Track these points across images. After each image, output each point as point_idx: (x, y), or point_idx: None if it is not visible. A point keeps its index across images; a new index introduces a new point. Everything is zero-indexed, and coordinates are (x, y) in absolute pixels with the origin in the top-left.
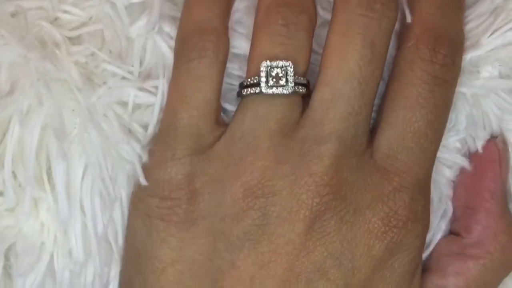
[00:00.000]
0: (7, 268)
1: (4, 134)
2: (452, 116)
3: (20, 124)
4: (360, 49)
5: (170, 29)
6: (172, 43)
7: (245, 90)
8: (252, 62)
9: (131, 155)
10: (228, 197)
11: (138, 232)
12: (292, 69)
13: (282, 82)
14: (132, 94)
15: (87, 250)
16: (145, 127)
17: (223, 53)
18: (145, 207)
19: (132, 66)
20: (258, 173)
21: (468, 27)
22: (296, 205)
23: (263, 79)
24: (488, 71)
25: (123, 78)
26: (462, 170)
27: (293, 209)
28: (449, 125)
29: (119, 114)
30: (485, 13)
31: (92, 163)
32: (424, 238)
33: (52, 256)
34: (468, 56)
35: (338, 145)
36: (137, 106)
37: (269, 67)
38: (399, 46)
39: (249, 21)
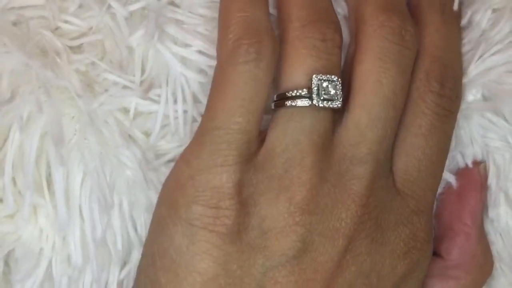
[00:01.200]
0: (6, 273)
1: (5, 141)
2: None
3: (20, 131)
4: (395, 75)
5: (175, 32)
6: (177, 48)
7: (290, 101)
8: (294, 74)
9: (131, 161)
10: (273, 210)
11: (175, 240)
12: (340, 84)
13: (333, 95)
14: (134, 102)
15: (85, 255)
16: (146, 133)
17: (276, 58)
18: (188, 214)
19: (134, 75)
20: (304, 188)
21: None
22: (337, 224)
23: (315, 92)
24: (472, 94)
25: (124, 87)
26: (446, 191)
27: (334, 227)
28: None
29: (120, 120)
30: (471, 41)
31: (91, 170)
32: (431, 256)
33: (50, 262)
34: None
35: (374, 166)
36: (138, 113)
37: (321, 80)
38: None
39: None
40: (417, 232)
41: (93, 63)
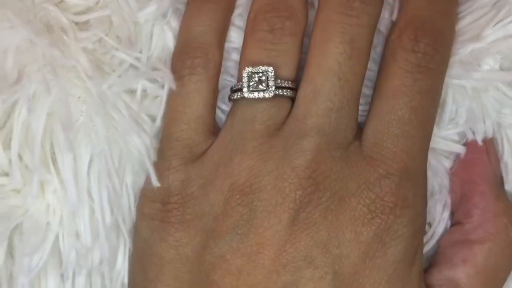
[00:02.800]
0: (9, 249)
1: (8, 117)
2: (452, 109)
3: (27, 111)
4: (339, 45)
5: (175, 22)
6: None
7: (233, 95)
8: (240, 68)
9: (139, 146)
10: (219, 196)
11: (142, 234)
12: (272, 74)
13: (263, 86)
14: (140, 84)
15: (95, 235)
16: (151, 117)
17: (214, 68)
18: (149, 210)
19: (140, 52)
20: (245, 172)
21: (470, 19)
22: (280, 199)
23: (245, 84)
24: (488, 63)
25: (132, 65)
26: (455, 164)
27: (277, 202)
28: (448, 118)
29: (128, 103)
30: (487, 5)
31: (98, 153)
32: (420, 226)
33: (57, 236)
34: (469, 48)
35: (320, 138)
36: (144, 96)
37: (250, 73)
38: (385, 40)
39: None
40: (386, 196)
41: (100, 40)
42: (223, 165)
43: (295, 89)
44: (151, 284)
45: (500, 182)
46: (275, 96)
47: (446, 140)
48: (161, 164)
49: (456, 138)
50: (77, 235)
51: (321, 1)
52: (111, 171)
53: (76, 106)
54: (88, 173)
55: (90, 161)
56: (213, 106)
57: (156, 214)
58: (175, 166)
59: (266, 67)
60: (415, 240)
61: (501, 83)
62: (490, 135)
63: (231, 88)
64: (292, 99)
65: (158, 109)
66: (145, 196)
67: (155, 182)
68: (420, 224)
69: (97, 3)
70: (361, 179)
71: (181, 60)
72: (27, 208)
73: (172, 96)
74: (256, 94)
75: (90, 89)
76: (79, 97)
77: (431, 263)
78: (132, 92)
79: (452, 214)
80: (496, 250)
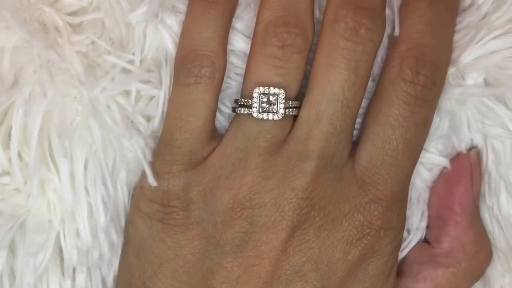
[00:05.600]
0: (11, 247)
1: (6, 114)
2: (435, 120)
3: (24, 112)
4: (344, 72)
5: (170, 20)
6: (174, 35)
7: (239, 109)
8: (246, 84)
9: (134, 147)
10: (219, 206)
11: (139, 229)
12: (283, 96)
13: (273, 109)
14: (134, 87)
15: (94, 233)
16: (147, 117)
17: (219, 76)
18: (147, 209)
19: (133, 54)
20: (246, 187)
21: (456, 37)
22: (279, 216)
23: (255, 105)
24: (473, 78)
25: (125, 69)
26: (436, 179)
27: (276, 219)
28: (432, 128)
29: (122, 105)
30: (470, 25)
31: (93, 154)
32: (398, 243)
33: (59, 234)
34: (454, 67)
35: (319, 161)
36: (139, 97)
37: (261, 94)
38: (385, 63)
39: (248, 17)
40: (373, 220)
41: (93, 43)
42: (224, 176)
43: (299, 108)
44: (150, 280)
45: (477, 207)
46: (281, 118)
47: (430, 153)
48: (160, 166)
49: (441, 147)
50: (78, 233)
51: (327, 24)
52: (105, 171)
53: (72, 106)
54: (85, 173)
55: (86, 161)
56: (215, 112)
57: (154, 214)
58: (175, 171)
59: (278, 90)
60: (393, 255)
61: (484, 96)
62: (475, 144)
63: (236, 101)
64: (295, 116)
65: (155, 110)
66: (143, 194)
67: (152, 182)
68: (399, 241)
69: (90, 3)
70: (353, 202)
71: (186, 68)
72: (29, 207)
73: (174, 102)
74: (265, 115)
75: (83, 93)
76: (75, 97)
77: (397, 272)
78: (127, 93)
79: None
80: (458, 276)
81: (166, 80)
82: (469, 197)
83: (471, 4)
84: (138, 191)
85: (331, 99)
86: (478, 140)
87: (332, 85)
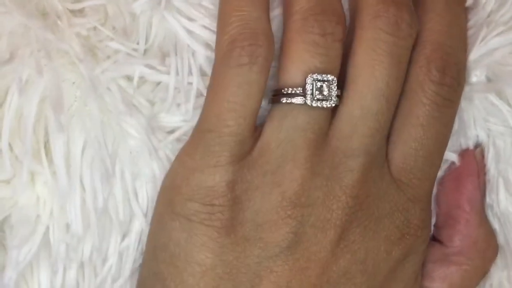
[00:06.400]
0: (1, 239)
1: (1, 105)
2: None
3: (19, 94)
4: (388, 67)
5: (180, 4)
6: (183, 19)
7: (285, 98)
8: (289, 72)
9: (135, 130)
10: (266, 204)
11: (174, 234)
12: (335, 84)
13: (327, 95)
14: (138, 71)
15: (86, 224)
16: (151, 102)
17: (272, 57)
18: (185, 211)
19: (137, 43)
20: (296, 183)
21: None
22: (328, 215)
23: (309, 92)
24: (476, 75)
25: (128, 54)
26: (445, 178)
27: (325, 218)
28: None
29: (123, 87)
30: (476, 23)
31: (92, 138)
32: (428, 241)
33: (47, 229)
34: None
35: (365, 159)
36: (143, 82)
37: (315, 81)
38: (410, 64)
39: None
40: (412, 219)
41: (95, 29)
42: (271, 171)
43: (340, 97)
44: None
45: (484, 205)
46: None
47: None
48: (203, 158)
49: (448, 145)
50: (67, 227)
51: (367, 19)
52: (104, 154)
53: (70, 92)
54: (81, 159)
55: (84, 147)
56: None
57: (194, 215)
58: (224, 164)
59: (331, 76)
60: (424, 254)
61: (488, 93)
62: (481, 141)
63: (278, 90)
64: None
65: (158, 94)
66: (179, 193)
67: (198, 178)
68: (428, 239)
69: None
70: (393, 201)
71: (241, 46)
72: (16, 200)
73: (223, 85)
74: (319, 103)
75: (82, 72)
76: (74, 83)
77: None
78: (129, 78)
79: (435, 226)
80: (470, 273)
81: (177, 66)
82: (477, 195)
83: (476, 3)
84: (170, 191)
85: (376, 95)
86: (483, 137)
87: (377, 80)
